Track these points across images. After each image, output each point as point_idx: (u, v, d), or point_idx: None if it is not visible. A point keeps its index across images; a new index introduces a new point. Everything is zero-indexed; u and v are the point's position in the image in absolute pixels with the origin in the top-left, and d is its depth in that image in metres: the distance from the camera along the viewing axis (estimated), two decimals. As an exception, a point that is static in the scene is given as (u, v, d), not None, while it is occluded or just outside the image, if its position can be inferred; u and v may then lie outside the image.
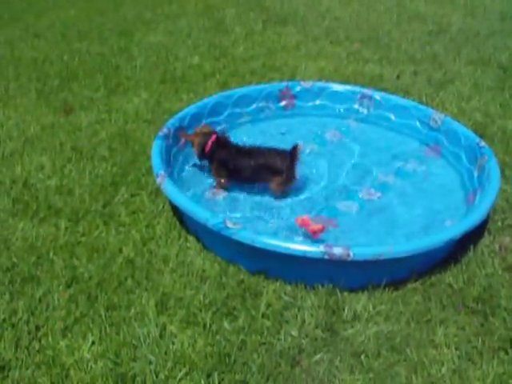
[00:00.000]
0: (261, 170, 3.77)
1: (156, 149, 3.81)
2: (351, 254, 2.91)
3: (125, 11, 8.54)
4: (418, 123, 4.64)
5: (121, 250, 3.44)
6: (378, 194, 3.97)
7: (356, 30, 7.87)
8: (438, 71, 6.38)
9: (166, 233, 3.59)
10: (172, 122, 4.22)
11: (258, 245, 2.97)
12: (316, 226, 3.36)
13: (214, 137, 3.88)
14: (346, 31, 7.79)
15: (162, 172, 3.52)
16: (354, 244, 3.07)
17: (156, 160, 3.68)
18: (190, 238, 3.54)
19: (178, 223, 3.68)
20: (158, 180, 3.50)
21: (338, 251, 2.91)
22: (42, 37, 7.30)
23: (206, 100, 4.61)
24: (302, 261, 2.99)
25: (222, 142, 3.88)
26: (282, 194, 3.85)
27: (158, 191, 3.95)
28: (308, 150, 4.40)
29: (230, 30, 7.75)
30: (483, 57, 6.83)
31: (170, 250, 3.44)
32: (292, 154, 3.73)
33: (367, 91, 4.89)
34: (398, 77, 6.18)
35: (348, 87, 4.99)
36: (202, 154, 3.91)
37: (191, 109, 4.44)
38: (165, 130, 4.06)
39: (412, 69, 6.40)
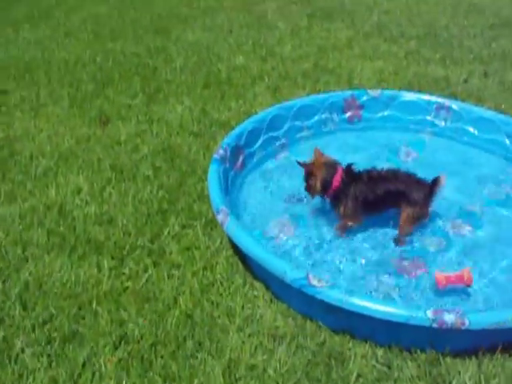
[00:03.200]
0: (396, 197, 3.16)
1: (213, 176, 3.27)
2: (467, 323, 2.33)
3: (158, 6, 8.01)
4: (506, 139, 4.00)
5: (176, 300, 2.91)
6: (468, 228, 3.36)
7: (409, 25, 7.23)
8: (510, 72, 5.72)
9: (228, 277, 3.05)
10: (228, 140, 3.67)
11: (350, 308, 2.41)
12: (464, 275, 2.78)
13: (340, 170, 3.19)
14: (398, 26, 7.16)
15: (223, 208, 2.98)
16: (468, 310, 2.49)
17: (214, 191, 3.14)
18: (257, 283, 3.00)
19: (240, 263, 3.14)
20: (220, 218, 2.96)
21: (449, 319, 2.34)
22: (73, 36, 6.81)
23: (263, 113, 4.05)
24: (401, 325, 2.42)
25: (352, 174, 3.21)
26: (409, 231, 3.25)
27: (213, 222, 3.41)
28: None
29: (273, 26, 7.17)
30: (558, 56, 6.14)
31: (234, 301, 2.89)
32: (433, 186, 3.13)
33: (444, 101, 4.27)
34: (465, 80, 5.53)
35: (422, 96, 4.36)
36: (326, 191, 3.22)
37: (248, 124, 3.89)
38: (221, 152, 3.51)
39: (481, 70, 5.75)
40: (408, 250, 3.20)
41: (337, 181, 3.15)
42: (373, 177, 3.14)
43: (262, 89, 5.32)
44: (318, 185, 3.19)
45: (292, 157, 3.97)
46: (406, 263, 3.07)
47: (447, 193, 3.39)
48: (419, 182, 3.17)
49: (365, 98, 4.35)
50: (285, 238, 3.29)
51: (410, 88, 5.26)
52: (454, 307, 2.43)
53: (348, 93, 4.38)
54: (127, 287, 3.00)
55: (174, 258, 3.19)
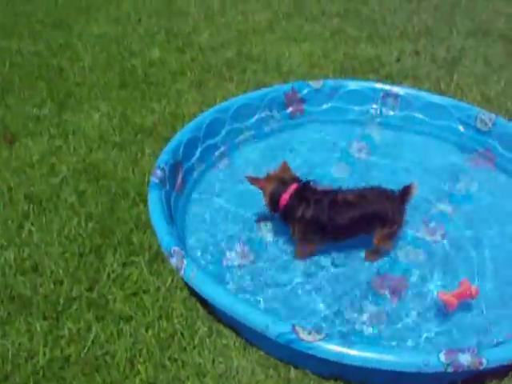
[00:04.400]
0: (368, 222, 2.78)
1: (155, 206, 2.77)
2: (484, 362, 2.03)
3: (53, -5, 7.15)
4: (459, 125, 3.76)
5: (133, 364, 2.43)
6: (442, 232, 3.09)
7: (328, 1, 6.88)
8: (440, 48, 5.56)
9: (189, 325, 2.60)
10: (164, 157, 3.16)
11: (352, 362, 2.04)
12: (470, 289, 2.53)
13: (293, 187, 2.77)
14: (317, 4, 6.80)
15: (176, 249, 2.50)
16: (482, 346, 2.19)
17: (161, 226, 2.65)
18: (225, 329, 2.57)
19: (199, 306, 2.69)
20: (174, 262, 2.48)
21: (465, 360, 2.03)
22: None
23: (198, 119, 3.55)
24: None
25: (305, 194, 2.77)
26: (389, 247, 2.93)
27: (159, 254, 2.94)
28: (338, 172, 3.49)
29: (185, 12, 6.59)
30: (480, 26, 6.05)
31: (202, 355, 2.46)
32: (403, 196, 2.81)
33: (391, 88, 3.97)
34: (398, 59, 5.30)
35: (366, 84, 4.03)
36: (275, 210, 2.83)
37: (183, 134, 3.38)
38: (158, 173, 3.01)
39: (411, 47, 5.54)
40: (384, 265, 2.88)
41: (284, 199, 2.75)
42: (336, 201, 2.75)
43: (185, 85, 4.80)
44: (267, 201, 2.81)
45: (234, 163, 3.56)
46: (388, 282, 2.75)
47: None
48: (389, 197, 2.81)
49: (306, 90, 3.96)
50: (241, 267, 2.87)
51: (343, 71, 4.96)
52: (468, 346, 2.10)
53: (288, 86, 3.97)
54: (69, 355, 2.47)
55: (120, 309, 2.69)
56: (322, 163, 3.60)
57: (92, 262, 2.96)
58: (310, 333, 2.09)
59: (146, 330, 2.57)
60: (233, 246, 2.99)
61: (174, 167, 3.17)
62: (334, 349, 2.05)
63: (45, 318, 2.65)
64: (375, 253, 2.90)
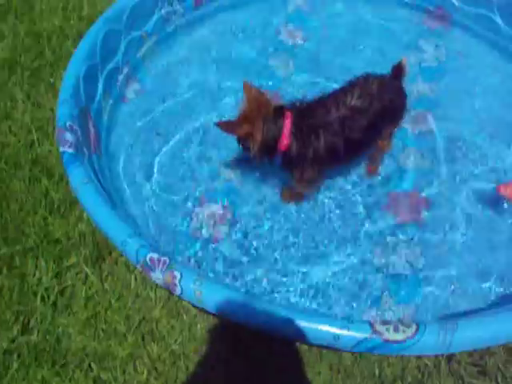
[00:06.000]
0: (382, 123, 2.12)
1: (91, 196, 1.88)
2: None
3: None
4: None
5: None
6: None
7: None
8: None
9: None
10: (64, 110, 2.17)
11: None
12: None
13: (287, 122, 1.96)
14: None
15: (153, 256, 1.69)
16: None
17: (114, 227, 1.80)
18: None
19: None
20: (160, 279, 1.68)
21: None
22: None
23: (87, 37, 2.50)
24: None
25: (309, 120, 1.99)
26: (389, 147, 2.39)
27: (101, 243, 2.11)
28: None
29: None
30: None
31: None
32: (398, 76, 2.16)
33: None
34: None
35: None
36: (270, 158, 2.06)
37: (77, 65, 2.36)
38: (67, 137, 2.05)
39: None
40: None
41: (284, 145, 1.98)
42: (346, 115, 1.98)
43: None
44: (256, 152, 1.99)
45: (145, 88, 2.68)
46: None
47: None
48: (393, 85, 2.13)
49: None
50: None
51: None
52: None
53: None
54: None
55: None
56: (256, 59, 2.84)
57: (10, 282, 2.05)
58: (395, 328, 1.50)
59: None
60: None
61: (82, 114, 2.22)
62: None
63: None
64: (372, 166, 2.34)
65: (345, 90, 2.04)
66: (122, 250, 1.75)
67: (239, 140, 2.02)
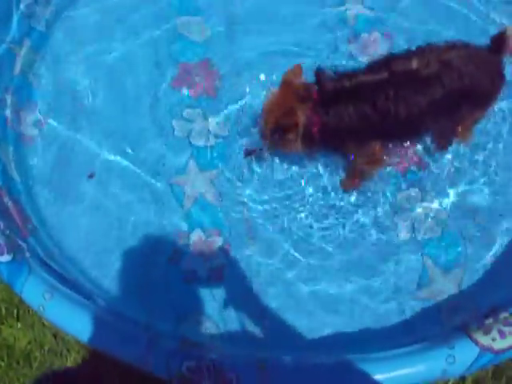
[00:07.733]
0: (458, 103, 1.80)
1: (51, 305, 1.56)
2: None
3: None
4: None
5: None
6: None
7: None
8: None
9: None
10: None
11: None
12: None
13: (314, 93, 1.79)
14: None
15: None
16: None
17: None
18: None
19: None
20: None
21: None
22: None
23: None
24: None
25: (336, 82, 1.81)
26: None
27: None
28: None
29: None
30: None
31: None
32: (498, 54, 1.81)
33: None
34: None
35: None
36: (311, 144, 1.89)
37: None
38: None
39: None
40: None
41: (316, 122, 1.79)
42: (388, 81, 1.71)
43: None
44: (297, 142, 1.83)
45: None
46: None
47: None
48: (486, 59, 1.79)
49: None
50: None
51: None
52: None
53: None
54: None
55: None
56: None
57: None
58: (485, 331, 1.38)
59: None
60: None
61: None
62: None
63: None
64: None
65: (404, 55, 1.75)
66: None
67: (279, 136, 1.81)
